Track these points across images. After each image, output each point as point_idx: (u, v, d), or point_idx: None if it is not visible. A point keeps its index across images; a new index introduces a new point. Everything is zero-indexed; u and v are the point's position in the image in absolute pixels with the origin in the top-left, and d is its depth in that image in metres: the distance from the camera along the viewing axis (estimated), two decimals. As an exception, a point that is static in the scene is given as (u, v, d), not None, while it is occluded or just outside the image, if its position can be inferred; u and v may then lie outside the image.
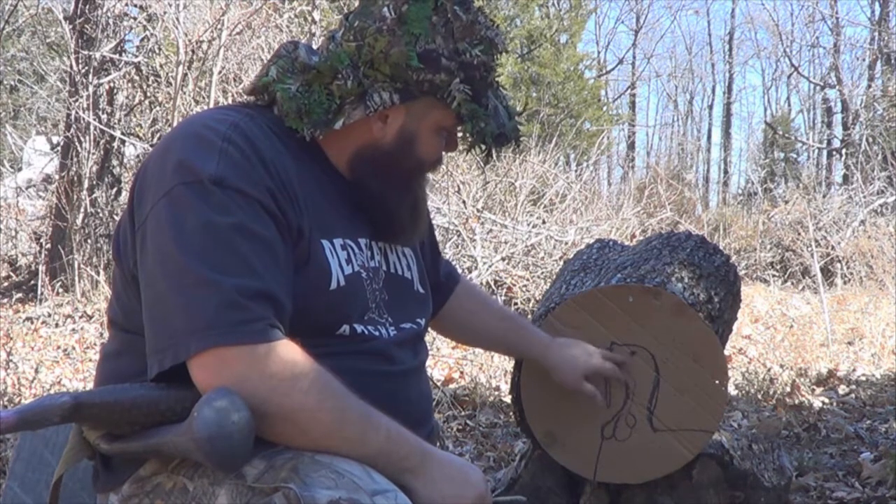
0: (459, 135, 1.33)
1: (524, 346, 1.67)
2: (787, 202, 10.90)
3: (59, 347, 4.88)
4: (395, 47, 1.19)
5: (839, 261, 9.25)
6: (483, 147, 1.29)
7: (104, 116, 6.85)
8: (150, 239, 1.12)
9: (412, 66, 1.20)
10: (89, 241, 6.64)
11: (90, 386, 1.36)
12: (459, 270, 1.66)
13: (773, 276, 9.33)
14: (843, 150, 16.95)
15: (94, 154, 6.78)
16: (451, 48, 1.21)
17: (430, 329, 1.60)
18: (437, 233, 1.65)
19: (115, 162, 7.04)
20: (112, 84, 6.91)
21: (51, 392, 3.68)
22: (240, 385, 1.04)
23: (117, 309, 1.25)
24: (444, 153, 1.34)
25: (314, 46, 1.32)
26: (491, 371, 4.21)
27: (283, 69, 1.26)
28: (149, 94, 7.26)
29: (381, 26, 1.20)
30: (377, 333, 1.26)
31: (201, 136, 1.16)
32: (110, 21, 6.87)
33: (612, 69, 23.61)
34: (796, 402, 3.83)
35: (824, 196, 11.14)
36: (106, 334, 1.34)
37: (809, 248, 8.36)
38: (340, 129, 1.24)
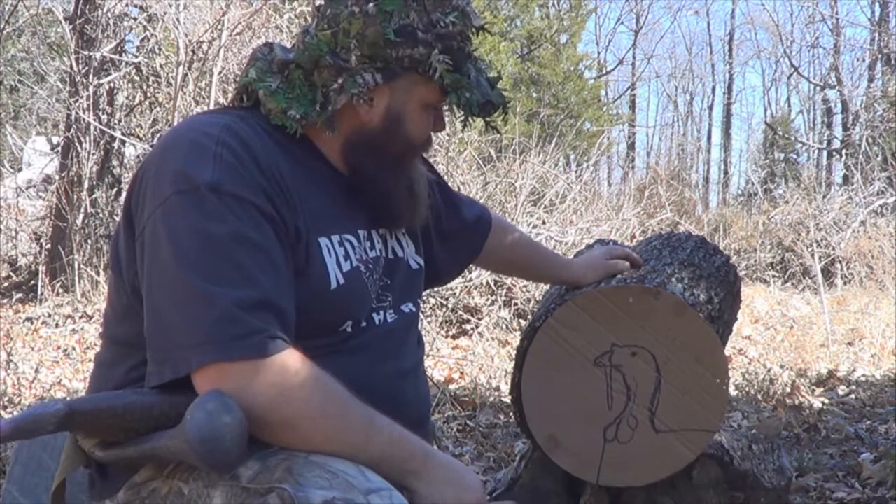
0: (446, 112, 1.33)
1: (551, 272, 1.83)
2: (787, 203, 10.88)
3: (59, 348, 4.88)
4: (370, 27, 1.20)
5: (839, 261, 9.24)
6: (472, 118, 1.29)
7: (104, 117, 6.84)
8: (148, 250, 1.12)
9: (390, 42, 1.20)
10: (89, 241, 6.63)
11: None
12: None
13: (774, 276, 9.31)
14: (843, 151, 16.92)
15: (94, 154, 6.77)
16: (425, 21, 1.22)
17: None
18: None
19: (115, 162, 7.03)
20: (112, 84, 6.90)
21: (51, 392, 3.69)
22: (240, 396, 1.04)
23: (111, 318, 1.25)
24: (432, 134, 1.34)
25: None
26: (491, 371, 4.21)
27: (261, 70, 1.26)
28: (149, 94, 7.25)
29: (353, 9, 1.21)
30: (376, 322, 1.27)
31: (195, 141, 1.15)
32: (110, 21, 6.86)
33: (612, 70, 23.60)
34: (796, 402, 3.83)
35: (824, 197, 11.10)
36: (106, 336, 1.33)
37: (810, 249, 8.35)
38: (328, 119, 1.24)
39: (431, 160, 1.68)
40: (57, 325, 5.49)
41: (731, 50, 26.18)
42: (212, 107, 5.99)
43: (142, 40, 7.25)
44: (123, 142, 6.97)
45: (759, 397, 3.90)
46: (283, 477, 1.05)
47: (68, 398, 1.27)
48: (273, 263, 1.12)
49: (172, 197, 1.10)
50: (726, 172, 23.67)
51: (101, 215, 6.76)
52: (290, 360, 1.09)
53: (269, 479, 1.05)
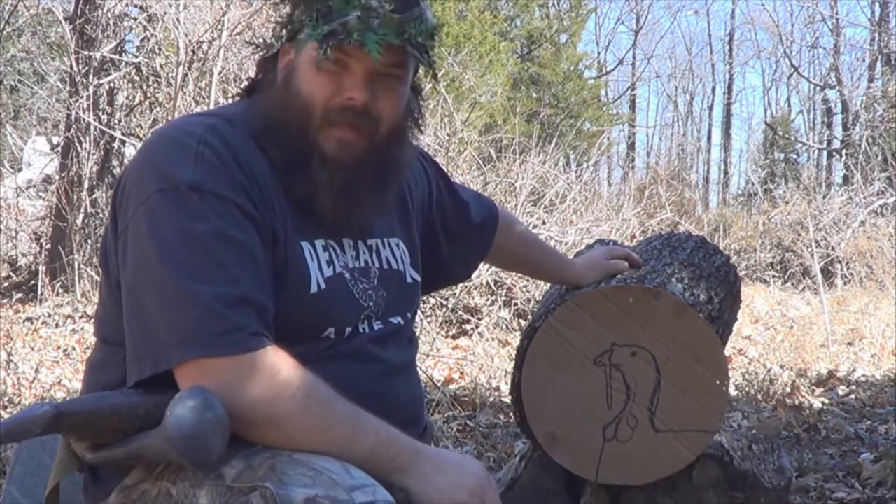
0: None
1: (552, 270, 1.83)
2: (787, 203, 10.89)
3: (59, 348, 4.88)
4: None
5: (839, 261, 9.24)
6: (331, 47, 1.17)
7: (104, 117, 6.84)
8: (131, 247, 1.12)
9: (294, 3, 1.24)
10: (89, 241, 6.63)
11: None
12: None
13: (774, 276, 9.32)
14: (843, 151, 16.95)
15: (94, 154, 6.77)
16: None
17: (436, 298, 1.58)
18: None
19: (115, 162, 7.03)
20: (112, 84, 6.90)
21: (51, 392, 3.69)
22: (223, 393, 1.04)
23: (103, 318, 1.25)
24: (364, 97, 1.20)
25: None
26: (491, 371, 4.21)
27: None
28: (149, 94, 7.25)
29: None
30: (360, 331, 1.26)
31: (177, 140, 1.16)
32: (110, 21, 6.86)
33: (613, 69, 23.63)
34: (796, 402, 3.83)
35: (824, 197, 11.12)
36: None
37: (809, 249, 8.35)
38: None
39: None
40: (57, 325, 5.50)
41: (731, 50, 26.21)
42: (211, 106, 5.99)
43: (142, 40, 7.24)
44: (123, 142, 6.97)
45: (759, 397, 3.90)
46: (267, 475, 1.04)
47: (68, 398, 1.28)
48: (254, 261, 1.12)
49: (154, 195, 1.11)
50: (726, 172, 23.71)
51: (101, 215, 6.76)
52: (275, 358, 1.09)
53: (252, 478, 1.05)
